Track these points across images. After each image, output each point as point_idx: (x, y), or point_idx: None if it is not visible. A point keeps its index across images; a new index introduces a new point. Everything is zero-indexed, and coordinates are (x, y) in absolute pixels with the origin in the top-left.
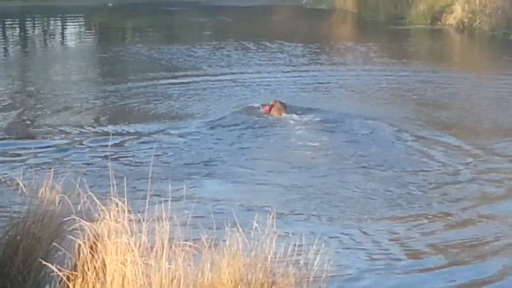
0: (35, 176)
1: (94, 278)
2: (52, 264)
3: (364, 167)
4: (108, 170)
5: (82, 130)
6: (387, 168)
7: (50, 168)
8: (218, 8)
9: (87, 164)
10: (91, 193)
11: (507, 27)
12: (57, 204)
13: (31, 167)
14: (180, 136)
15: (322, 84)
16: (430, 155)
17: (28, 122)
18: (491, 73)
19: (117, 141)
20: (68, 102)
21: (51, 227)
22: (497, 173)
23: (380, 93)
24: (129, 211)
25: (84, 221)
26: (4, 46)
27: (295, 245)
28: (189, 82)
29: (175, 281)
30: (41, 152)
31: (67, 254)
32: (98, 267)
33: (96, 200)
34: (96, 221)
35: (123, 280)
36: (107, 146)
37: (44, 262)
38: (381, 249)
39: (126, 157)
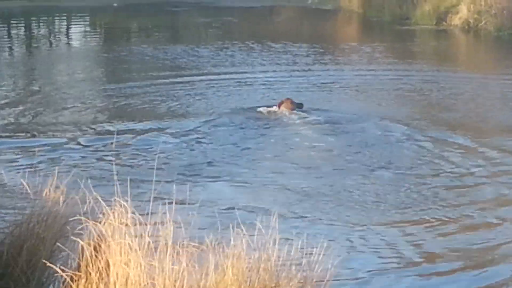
0: (39, 176)
1: (98, 279)
2: (56, 265)
3: (370, 168)
4: (112, 170)
5: (86, 129)
6: (394, 169)
7: (54, 168)
8: (223, 9)
9: (91, 163)
10: (95, 193)
11: None
12: (61, 204)
13: (35, 166)
14: (184, 136)
15: (327, 84)
16: (437, 155)
17: (33, 121)
18: (497, 74)
19: (121, 141)
20: (73, 101)
21: (55, 227)
22: (509, 175)
23: (385, 93)
24: (132, 211)
25: (88, 222)
26: (9, 45)
27: (298, 246)
28: (193, 82)
29: (178, 282)
30: (45, 151)
31: (70, 254)
32: (102, 267)
33: (100, 201)
34: (100, 221)
35: (126, 281)
36: (111, 145)
37: (47, 263)
38: (387, 252)
39: (130, 157)
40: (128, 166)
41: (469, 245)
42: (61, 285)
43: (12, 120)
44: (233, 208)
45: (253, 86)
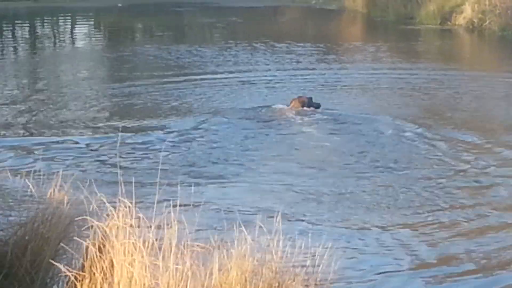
0: (43, 175)
1: (102, 279)
2: (60, 265)
3: (376, 167)
4: (116, 170)
5: (90, 128)
6: (401, 168)
7: (58, 167)
8: (228, 9)
9: (95, 163)
10: (99, 193)
11: None
12: (65, 204)
13: (39, 166)
14: (188, 135)
15: (331, 83)
16: (444, 154)
17: (37, 120)
18: (501, 73)
19: (125, 140)
20: (77, 101)
21: (59, 227)
22: None
23: (390, 92)
24: (137, 212)
25: (93, 221)
26: (14, 46)
27: (302, 247)
28: (196, 82)
29: (182, 282)
30: (49, 150)
31: (75, 254)
32: (106, 267)
33: (104, 201)
34: (104, 221)
35: (130, 280)
36: (115, 145)
37: (52, 262)
38: (394, 253)
39: (134, 156)
40: (132, 165)
41: (482, 246)
42: (65, 285)
43: (16, 119)
44: (237, 208)
45: (256, 86)
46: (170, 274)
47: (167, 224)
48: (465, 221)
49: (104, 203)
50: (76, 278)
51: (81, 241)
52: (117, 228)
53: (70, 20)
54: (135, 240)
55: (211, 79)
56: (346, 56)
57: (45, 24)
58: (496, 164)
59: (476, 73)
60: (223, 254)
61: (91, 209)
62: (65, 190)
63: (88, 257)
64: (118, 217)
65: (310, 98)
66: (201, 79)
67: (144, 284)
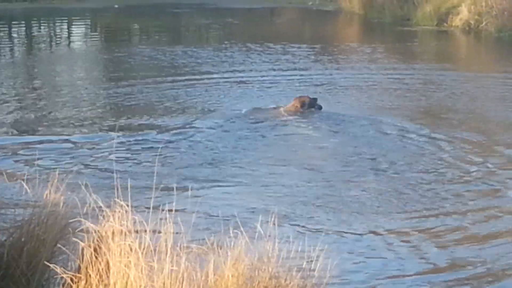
0: (39, 176)
1: (98, 280)
2: (56, 266)
3: (373, 169)
4: (112, 171)
5: (85, 129)
6: (398, 170)
7: (53, 168)
8: (225, 10)
9: (91, 164)
10: (94, 195)
11: None
12: (61, 206)
13: (34, 167)
14: (183, 136)
15: (327, 84)
16: (442, 156)
17: (32, 121)
18: (497, 74)
19: (121, 142)
20: (72, 102)
21: (55, 229)
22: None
23: (387, 93)
24: (133, 213)
25: (88, 223)
26: (10, 47)
27: (299, 248)
28: (192, 83)
29: (178, 283)
30: (44, 151)
31: (71, 256)
32: (102, 269)
33: (100, 203)
34: (100, 223)
35: (126, 282)
36: (110, 145)
37: (48, 264)
38: (392, 256)
39: (130, 157)
40: (128, 167)
41: (486, 249)
42: (61, 286)
43: (12, 119)
44: (234, 210)
45: (252, 87)
46: (165, 276)
47: (163, 226)
48: (466, 224)
49: (100, 205)
50: (72, 280)
51: (78, 241)
52: (113, 230)
53: (66, 21)
54: (131, 242)
55: (206, 80)
56: (343, 57)
57: (42, 25)
58: (496, 165)
59: (473, 74)
60: (219, 256)
61: (87, 211)
62: (61, 191)
63: (84, 258)
64: (114, 219)
65: (314, 99)
66: (196, 80)
67: (140, 286)
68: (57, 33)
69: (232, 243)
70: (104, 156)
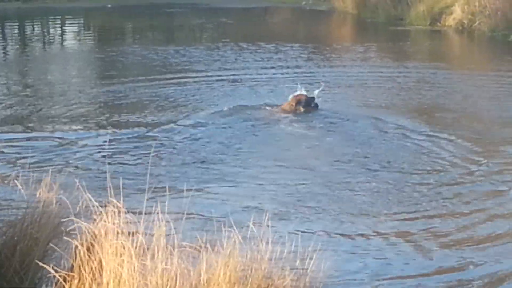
0: (33, 176)
1: (91, 279)
2: (49, 265)
3: (366, 167)
4: (105, 170)
5: (78, 128)
6: (390, 168)
7: (47, 168)
8: (218, 10)
9: (84, 163)
10: (88, 194)
11: (507, 28)
12: (54, 204)
13: (28, 167)
14: (176, 135)
15: (320, 83)
16: (435, 154)
17: (25, 120)
18: (490, 73)
19: (114, 141)
20: (65, 101)
21: (48, 228)
22: (508, 173)
23: (380, 92)
24: (126, 212)
25: (81, 222)
26: (3, 46)
27: (292, 246)
28: (184, 82)
29: (171, 282)
30: (37, 150)
31: (64, 255)
32: (95, 268)
33: (93, 201)
34: (93, 222)
35: (119, 281)
36: (104, 145)
37: (41, 264)
38: (385, 256)
39: (123, 156)
40: (120, 165)
41: (469, 242)
42: (54, 285)
43: (4, 118)
44: (226, 208)
45: (244, 85)
46: (158, 274)
47: (156, 225)
48: (463, 225)
49: (93, 203)
50: (65, 279)
51: (71, 240)
52: (106, 228)
53: (59, 21)
54: (124, 240)
55: (198, 78)
56: (336, 56)
57: (35, 24)
58: (493, 163)
59: (466, 73)
60: (212, 255)
61: (80, 209)
62: (54, 190)
63: (77, 257)
64: (107, 218)
65: (311, 98)
66: (188, 79)
67: (132, 285)
68: (50, 33)
69: (225, 242)
70: (96, 154)
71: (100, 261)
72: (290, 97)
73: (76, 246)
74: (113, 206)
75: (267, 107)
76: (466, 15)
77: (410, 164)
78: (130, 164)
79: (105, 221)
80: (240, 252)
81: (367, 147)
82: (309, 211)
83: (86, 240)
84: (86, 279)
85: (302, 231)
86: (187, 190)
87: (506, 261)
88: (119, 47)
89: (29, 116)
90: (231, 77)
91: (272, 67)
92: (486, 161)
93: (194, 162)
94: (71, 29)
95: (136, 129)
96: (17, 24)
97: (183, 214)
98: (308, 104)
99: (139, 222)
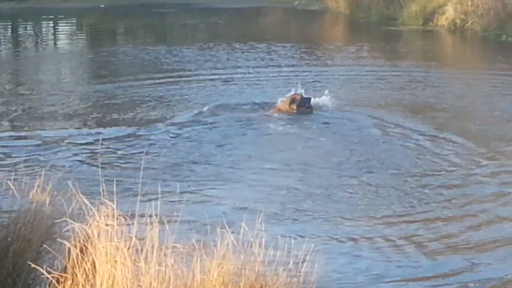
0: (25, 176)
1: (84, 280)
2: (42, 266)
3: (361, 167)
4: (97, 170)
5: (70, 129)
6: (386, 168)
7: (39, 168)
8: (211, 10)
9: (77, 164)
10: (81, 195)
11: (499, 27)
12: (47, 206)
13: (20, 168)
14: (168, 135)
15: (312, 83)
16: (429, 153)
17: (17, 121)
18: (483, 73)
19: (105, 141)
20: (57, 101)
21: (41, 229)
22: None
23: (373, 93)
24: (119, 213)
25: (75, 223)
26: None
27: (285, 247)
28: (176, 82)
29: (164, 283)
30: (30, 151)
31: (57, 256)
32: (88, 269)
33: (86, 202)
34: (86, 223)
35: (112, 282)
36: (96, 146)
37: (34, 265)
38: (380, 257)
39: (115, 157)
40: (113, 166)
41: (472, 244)
42: (47, 286)
43: None
44: (220, 209)
45: (236, 85)
46: (152, 275)
47: (149, 226)
48: (458, 223)
49: (86, 204)
50: (58, 280)
51: (64, 241)
52: (99, 229)
53: (52, 21)
54: (117, 241)
55: (190, 78)
56: (328, 56)
57: (28, 24)
58: (484, 162)
59: (459, 72)
60: (205, 255)
61: (73, 210)
62: (47, 191)
63: (70, 258)
64: (100, 219)
65: (307, 99)
66: (180, 79)
67: (126, 286)
68: (43, 33)
69: (219, 243)
70: (88, 154)
71: (94, 262)
72: (285, 97)
73: (69, 248)
74: (106, 207)
75: (261, 107)
76: (458, 14)
77: (406, 164)
78: (122, 164)
79: (98, 222)
80: (233, 253)
81: (362, 147)
82: (303, 212)
83: (79, 242)
84: (79, 280)
85: (296, 233)
86: (180, 191)
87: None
88: (111, 47)
89: (20, 115)
90: (223, 76)
91: (264, 67)
92: (480, 161)
93: (186, 163)
94: (63, 29)
95: (127, 129)
96: (10, 24)
97: (176, 214)
98: (302, 105)
99: (132, 223)
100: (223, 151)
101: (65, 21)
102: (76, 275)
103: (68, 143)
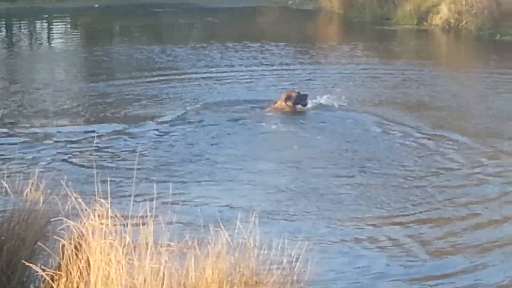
0: (18, 174)
1: (78, 278)
2: (37, 264)
3: (356, 166)
4: (91, 169)
5: (64, 128)
6: (382, 167)
7: (33, 166)
8: (205, 10)
9: (70, 162)
10: (75, 193)
11: (493, 27)
12: (41, 204)
13: (13, 165)
14: (162, 133)
15: (306, 82)
16: (424, 152)
17: (10, 119)
18: (477, 72)
19: (100, 140)
20: (51, 100)
21: (35, 227)
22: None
23: (366, 92)
24: (113, 211)
25: (69, 221)
26: None
27: (279, 245)
28: (169, 81)
29: (159, 280)
30: (23, 149)
31: (51, 254)
32: (82, 266)
33: (81, 201)
34: (81, 221)
35: (107, 280)
36: (90, 145)
37: (27, 263)
38: (373, 254)
39: (108, 156)
40: (107, 165)
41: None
42: (41, 284)
43: None
44: (214, 207)
45: (230, 84)
46: (146, 273)
47: (144, 224)
48: (455, 219)
49: (80, 202)
50: (52, 278)
51: (58, 239)
52: (94, 227)
53: (46, 21)
54: (111, 239)
55: (183, 77)
56: (322, 55)
57: (22, 24)
58: (483, 161)
59: (453, 72)
60: (200, 253)
61: (67, 208)
62: (41, 190)
63: (65, 256)
64: (94, 217)
65: (303, 95)
66: (174, 78)
67: (120, 283)
68: (37, 32)
69: (213, 241)
70: (83, 155)
71: (88, 260)
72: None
73: (64, 245)
74: (100, 205)
75: (255, 106)
76: (452, 14)
77: (403, 163)
78: (116, 163)
79: (92, 220)
80: (228, 250)
81: (358, 146)
82: (298, 210)
83: (74, 239)
84: (74, 278)
85: (290, 231)
86: (173, 189)
87: (494, 255)
88: (105, 46)
89: (12, 112)
90: (216, 75)
91: (258, 66)
92: (475, 159)
93: (181, 161)
94: (58, 29)
95: (121, 127)
96: (4, 24)
97: (171, 212)
98: (298, 102)
99: (126, 221)
100: (217, 150)
101: (59, 21)
102: (71, 273)
103: (60, 140)
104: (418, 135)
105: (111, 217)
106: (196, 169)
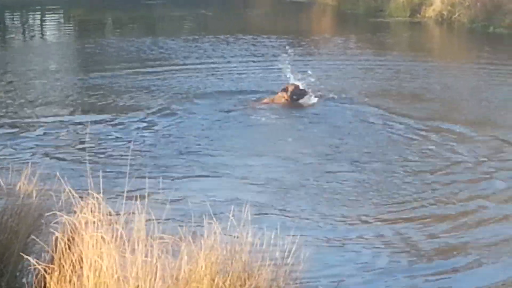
0: (11, 167)
1: (71, 271)
2: (30, 258)
3: (351, 158)
4: (84, 162)
5: (57, 120)
6: (376, 160)
7: (25, 159)
8: (199, 2)
9: (63, 155)
10: (68, 186)
11: (486, 19)
12: (34, 197)
13: (7, 159)
14: (155, 126)
15: (299, 74)
16: (420, 145)
17: (3, 112)
18: (470, 64)
19: (93, 132)
20: (43, 93)
21: (28, 220)
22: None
23: (360, 84)
24: (105, 204)
25: (62, 214)
26: None
27: (272, 238)
28: (162, 73)
29: (151, 274)
30: (15, 142)
31: (44, 247)
32: (75, 260)
33: (73, 194)
34: (73, 214)
35: (99, 273)
36: (83, 137)
37: (22, 255)
38: (369, 247)
39: (102, 148)
40: (100, 157)
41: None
42: (34, 278)
43: None
44: (207, 200)
45: (222, 76)
46: (138, 266)
47: (136, 217)
48: (452, 214)
49: (73, 195)
50: (45, 271)
51: (51, 232)
52: (86, 220)
53: (39, 13)
54: (104, 232)
55: (175, 68)
56: (315, 47)
57: (15, 17)
58: (476, 152)
59: (446, 64)
60: (192, 245)
61: (60, 202)
62: (33, 183)
63: (58, 250)
64: (87, 210)
65: (301, 90)
66: (166, 70)
67: (112, 277)
68: (30, 25)
69: (206, 234)
70: (76, 149)
71: (81, 253)
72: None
73: (57, 238)
74: (93, 198)
75: (247, 98)
76: (445, 6)
77: (394, 155)
78: (109, 156)
79: (85, 213)
80: (220, 243)
81: (353, 139)
82: (291, 203)
83: (67, 232)
84: (66, 271)
85: (283, 223)
86: (167, 181)
87: (497, 250)
88: (97, 38)
89: (7, 107)
90: (208, 67)
91: (250, 59)
92: (470, 150)
93: (174, 153)
94: (51, 21)
95: (113, 119)
96: None
97: (163, 205)
98: (295, 95)
99: (119, 214)
100: (211, 142)
101: (52, 13)
102: (63, 266)
103: (55, 134)
104: (415, 126)
105: (103, 210)
106: (188, 162)
